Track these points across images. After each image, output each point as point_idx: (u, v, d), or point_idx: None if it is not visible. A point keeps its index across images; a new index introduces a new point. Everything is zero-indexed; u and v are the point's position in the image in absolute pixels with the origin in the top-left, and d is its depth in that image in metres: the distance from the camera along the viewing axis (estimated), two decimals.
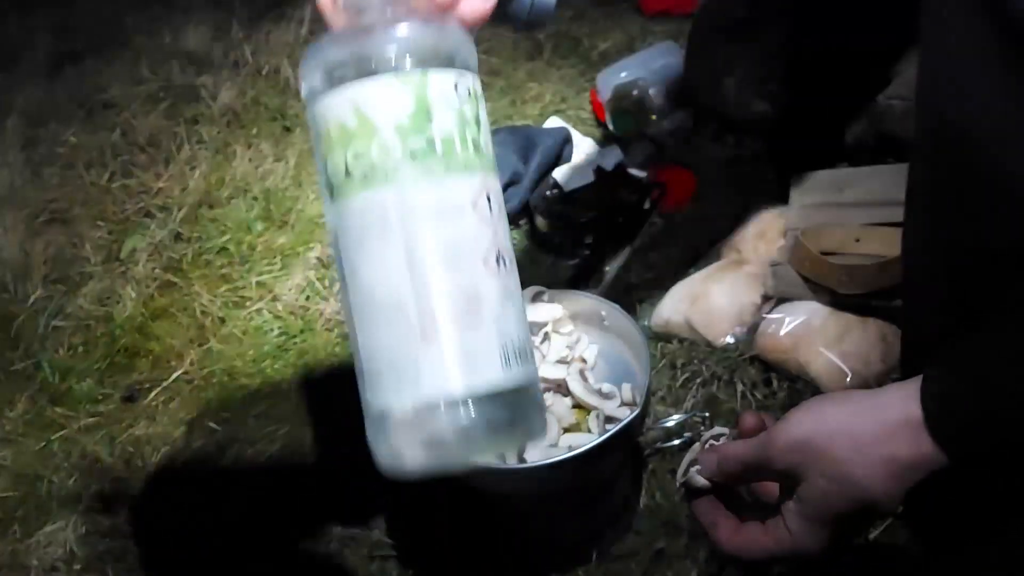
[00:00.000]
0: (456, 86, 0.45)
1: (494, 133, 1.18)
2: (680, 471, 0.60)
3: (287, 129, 1.35)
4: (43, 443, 1.01)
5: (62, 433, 1.02)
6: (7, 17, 1.87)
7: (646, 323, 0.95)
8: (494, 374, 0.43)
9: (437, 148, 0.43)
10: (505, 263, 0.46)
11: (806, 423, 0.54)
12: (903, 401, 0.50)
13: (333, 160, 0.44)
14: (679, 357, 0.90)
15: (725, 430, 0.61)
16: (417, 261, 0.43)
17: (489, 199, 0.46)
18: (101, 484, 0.96)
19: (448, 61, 0.45)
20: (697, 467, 0.58)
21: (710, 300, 0.88)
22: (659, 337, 0.93)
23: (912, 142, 0.59)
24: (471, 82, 0.46)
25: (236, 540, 0.87)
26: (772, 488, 0.56)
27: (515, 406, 0.45)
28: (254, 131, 1.35)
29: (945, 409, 0.49)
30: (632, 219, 1.06)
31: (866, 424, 0.51)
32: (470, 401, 0.43)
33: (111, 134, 1.43)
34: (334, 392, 0.99)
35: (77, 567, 0.88)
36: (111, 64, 1.64)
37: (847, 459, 0.51)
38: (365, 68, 0.43)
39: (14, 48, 1.77)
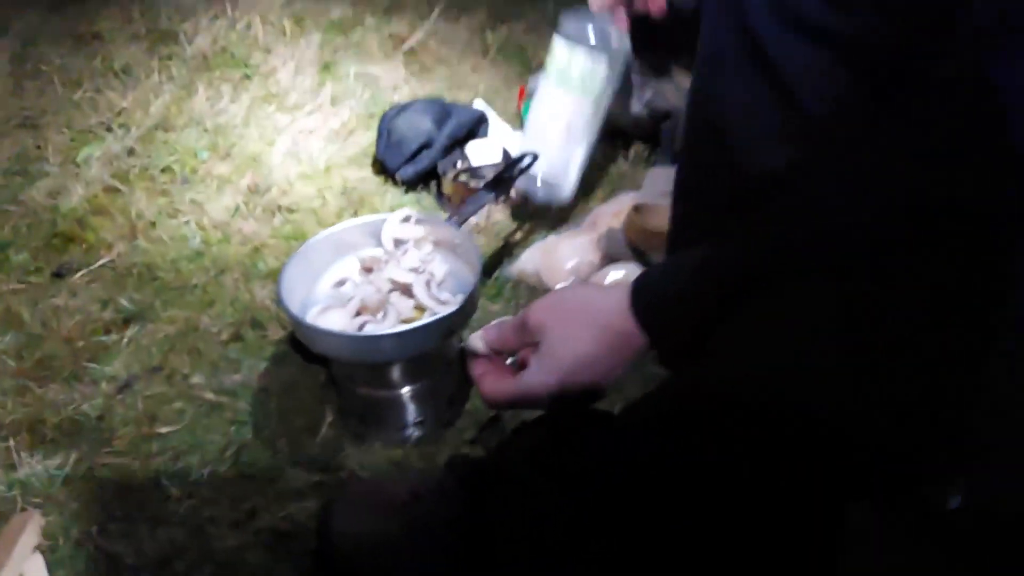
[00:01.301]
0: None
1: (414, 103, 1.35)
2: (465, 339, 0.75)
3: (247, 77, 1.51)
4: None
5: None
6: None
7: (511, 269, 1.11)
8: None
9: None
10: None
11: (551, 298, 0.70)
12: (622, 290, 0.66)
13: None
14: (522, 296, 1.06)
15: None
16: None
17: None
18: (17, 338, 1.10)
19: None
20: (477, 334, 0.74)
21: (557, 255, 1.04)
22: (516, 281, 1.09)
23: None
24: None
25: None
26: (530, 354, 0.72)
27: None
28: (217, 74, 1.51)
29: (641, 293, 0.65)
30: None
31: (593, 302, 0.67)
32: None
33: (92, 61, 1.59)
34: (234, 290, 1.14)
35: None
36: (107, 5, 1.80)
37: (575, 322, 0.66)
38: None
39: None
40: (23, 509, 0.89)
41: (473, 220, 1.14)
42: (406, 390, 0.92)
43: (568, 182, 1.11)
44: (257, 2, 1.67)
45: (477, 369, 0.73)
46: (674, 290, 0.64)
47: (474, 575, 0.74)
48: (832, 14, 0.56)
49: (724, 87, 0.66)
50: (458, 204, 1.15)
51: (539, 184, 1.11)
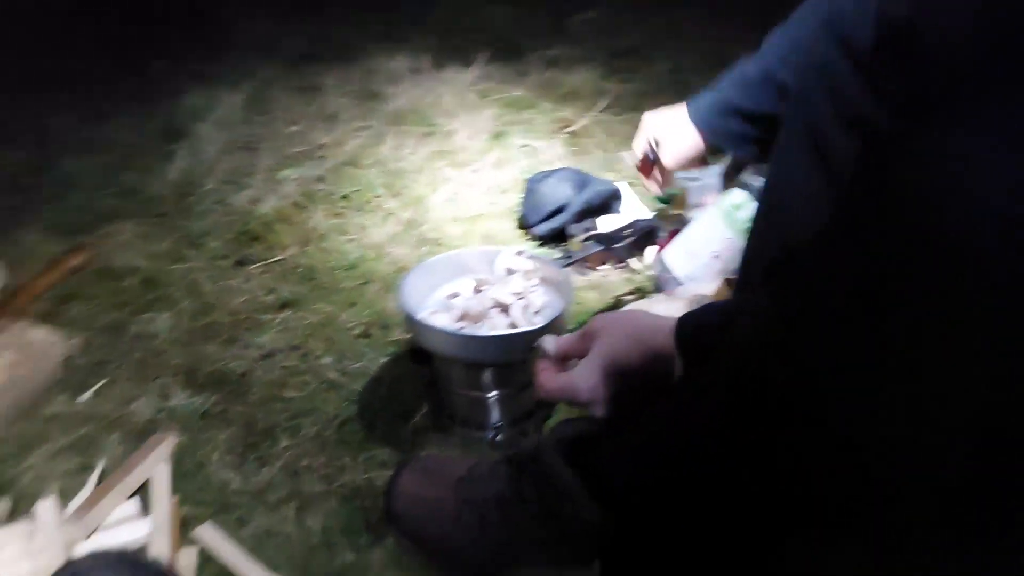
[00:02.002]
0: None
1: (560, 170, 1.51)
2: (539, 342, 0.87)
3: (429, 134, 1.74)
4: (172, 264, 1.41)
5: (187, 264, 1.41)
6: (279, 19, 2.43)
7: None
8: None
9: None
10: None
11: (612, 314, 0.81)
12: (671, 319, 0.77)
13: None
14: None
15: None
16: None
17: None
18: (196, 304, 1.33)
19: None
20: (549, 337, 0.86)
21: (652, 309, 1.15)
22: None
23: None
24: None
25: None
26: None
27: None
28: (406, 128, 1.76)
29: (684, 321, 0.75)
30: None
31: (644, 321, 0.78)
32: None
33: (309, 106, 1.89)
34: (373, 298, 1.32)
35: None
36: (333, 67, 2.13)
37: (623, 334, 0.77)
38: None
39: (273, 42, 2.32)
40: (164, 430, 1.08)
41: (591, 275, 1.27)
42: (492, 395, 1.05)
43: (692, 290, 1.22)
44: (454, 78, 1.93)
45: (541, 365, 0.85)
46: (708, 321, 0.74)
47: (506, 546, 0.84)
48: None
49: (786, 174, 0.76)
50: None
51: (668, 275, 1.24)
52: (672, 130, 1.15)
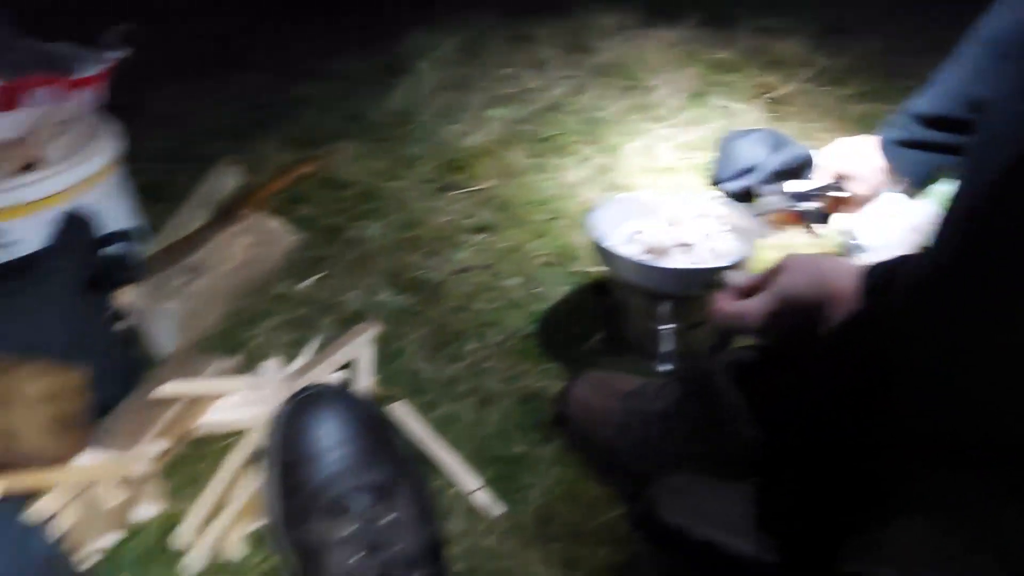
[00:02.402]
0: None
1: (756, 130, 1.52)
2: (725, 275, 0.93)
3: (631, 88, 1.81)
4: (386, 181, 1.56)
5: (399, 183, 1.55)
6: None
7: None
8: None
9: None
10: None
11: (800, 254, 0.85)
12: (857, 265, 0.80)
13: None
14: None
15: None
16: None
17: None
18: (404, 219, 1.47)
19: None
20: (739, 272, 0.91)
21: None
22: None
23: None
24: None
25: None
26: None
27: None
28: (609, 81, 1.83)
29: (872, 268, 0.78)
30: None
31: (829, 263, 0.82)
32: None
33: (519, 54, 2.01)
34: (561, 231, 1.41)
35: None
36: (546, 22, 2.22)
37: (805, 271, 0.81)
38: None
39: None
40: (370, 320, 1.23)
41: (776, 235, 1.30)
42: (666, 327, 1.11)
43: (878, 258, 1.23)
44: (661, 36, 1.98)
45: (719, 295, 0.90)
46: (895, 267, 0.77)
47: (665, 456, 0.91)
48: None
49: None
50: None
51: (854, 242, 1.24)
52: (861, 163, 1.20)
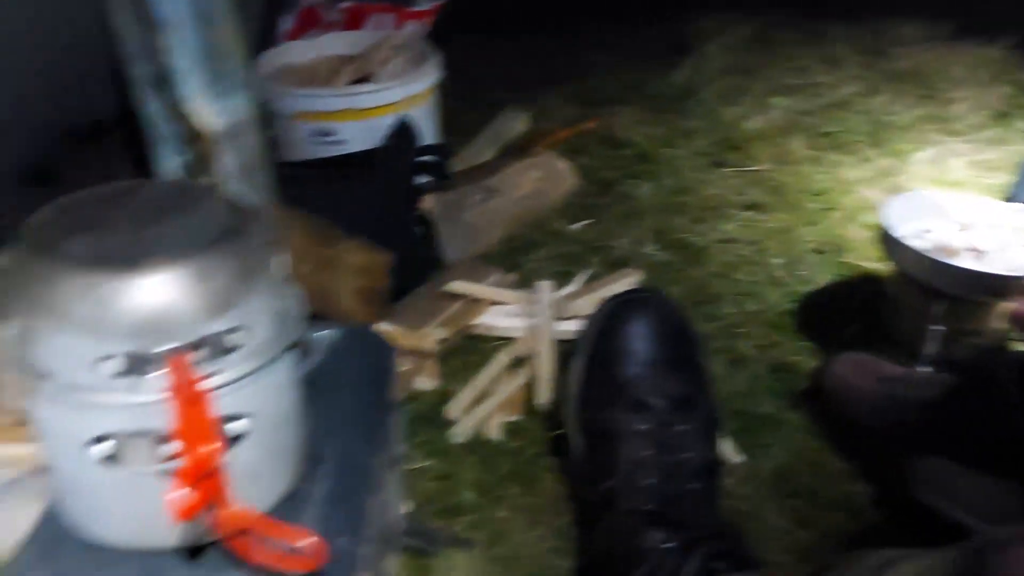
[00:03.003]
0: None
1: None
2: None
3: (926, 97, 1.75)
4: (662, 147, 1.62)
5: (674, 151, 1.61)
6: None
7: None
8: None
9: None
10: None
11: None
12: None
13: None
14: None
15: None
16: None
17: None
18: (668, 184, 1.53)
19: None
20: None
21: None
22: None
23: None
24: None
25: None
26: None
27: None
28: (902, 87, 1.78)
29: None
30: None
31: None
32: None
33: (812, 49, 1.99)
34: (832, 223, 1.41)
35: None
36: (837, 22, 2.18)
37: None
38: None
39: None
40: (633, 267, 1.29)
41: None
42: (937, 328, 1.09)
43: None
44: (970, 52, 1.89)
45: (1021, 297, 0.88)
46: None
47: (919, 443, 0.91)
48: None
49: None
50: None
51: None
52: None
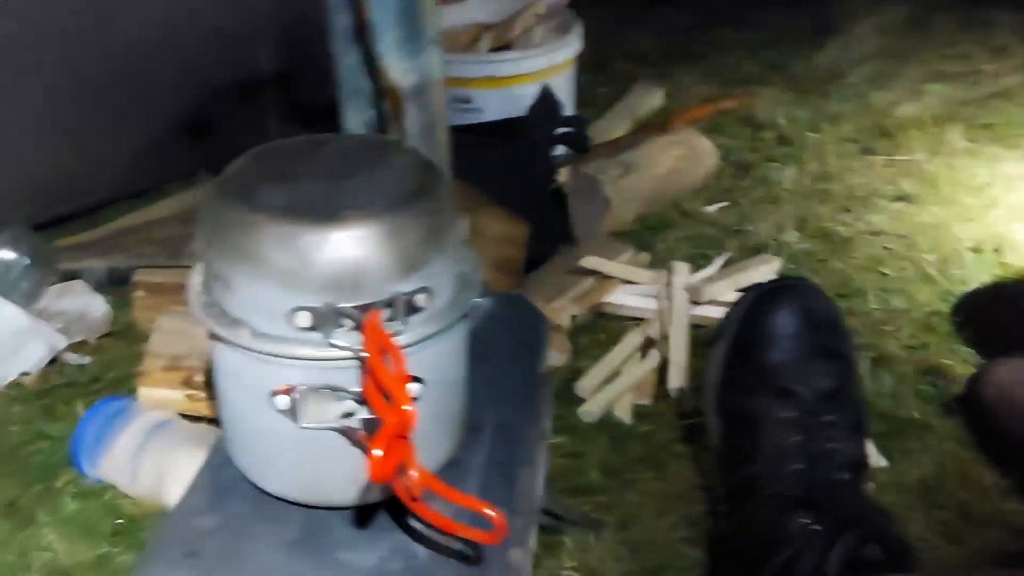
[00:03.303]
0: None
1: None
2: None
3: None
4: (805, 131, 1.55)
5: (818, 136, 1.54)
6: None
7: None
8: None
9: None
10: None
11: None
12: None
13: None
14: None
15: None
16: None
17: None
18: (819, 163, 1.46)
19: None
20: None
21: None
22: None
23: None
24: None
25: None
26: None
27: None
28: None
29: None
30: None
31: None
32: None
33: (972, 34, 1.86)
34: (995, 222, 1.32)
35: None
36: (1005, 8, 2.03)
37: None
38: None
39: None
40: (772, 254, 1.24)
41: None
42: None
43: None
44: None
45: None
46: None
47: None
48: None
49: None
50: None
51: None
52: None
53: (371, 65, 0.54)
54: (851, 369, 0.81)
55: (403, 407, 0.36)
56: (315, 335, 0.42)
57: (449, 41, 1.51)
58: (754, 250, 1.26)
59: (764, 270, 1.19)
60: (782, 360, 0.76)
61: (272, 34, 1.12)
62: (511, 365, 0.64)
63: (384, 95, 0.55)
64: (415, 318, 0.44)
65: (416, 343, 0.44)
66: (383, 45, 0.54)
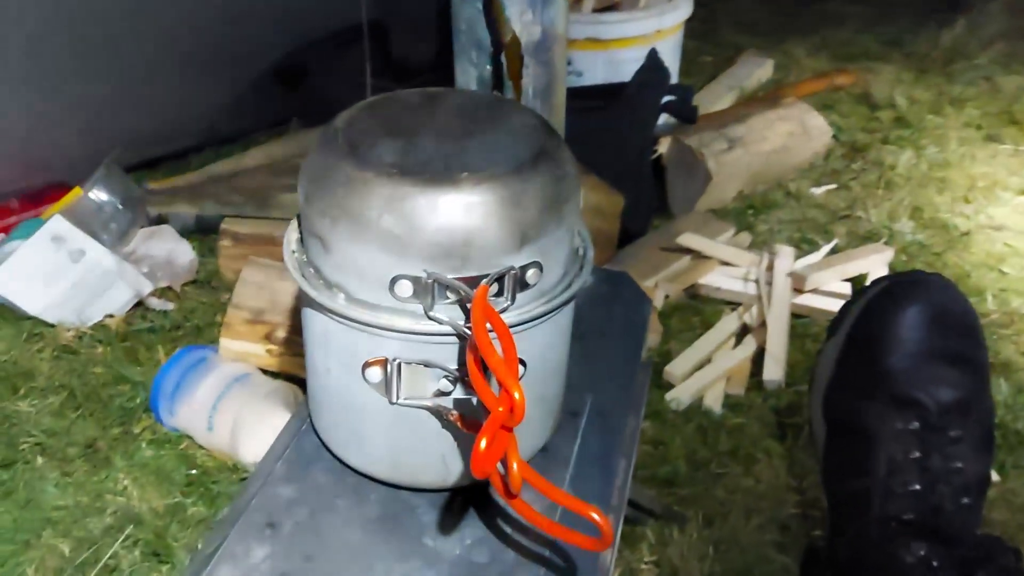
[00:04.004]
0: None
1: None
2: None
3: None
4: (928, 114, 1.45)
5: (940, 119, 1.43)
6: None
7: None
8: None
9: None
10: None
11: None
12: None
13: None
14: None
15: None
16: None
17: None
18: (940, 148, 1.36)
19: None
20: None
21: None
22: None
23: None
24: None
25: None
26: None
27: None
28: None
29: None
30: None
31: None
32: None
33: None
34: None
35: None
36: None
37: None
38: None
39: None
40: (884, 242, 1.16)
41: None
42: None
43: None
44: None
45: None
46: None
47: None
48: None
49: None
50: None
51: None
52: None
53: (492, 15, 0.49)
54: (983, 379, 0.74)
55: (514, 395, 0.32)
56: (415, 306, 0.38)
57: None
58: (864, 238, 1.18)
59: (875, 260, 1.11)
60: (904, 363, 0.69)
61: None
62: (613, 347, 0.59)
63: (503, 49, 0.50)
64: (523, 295, 0.40)
65: (525, 323, 0.40)
66: None
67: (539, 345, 0.44)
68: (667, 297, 1.06)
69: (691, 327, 1.04)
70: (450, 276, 0.38)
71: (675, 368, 0.97)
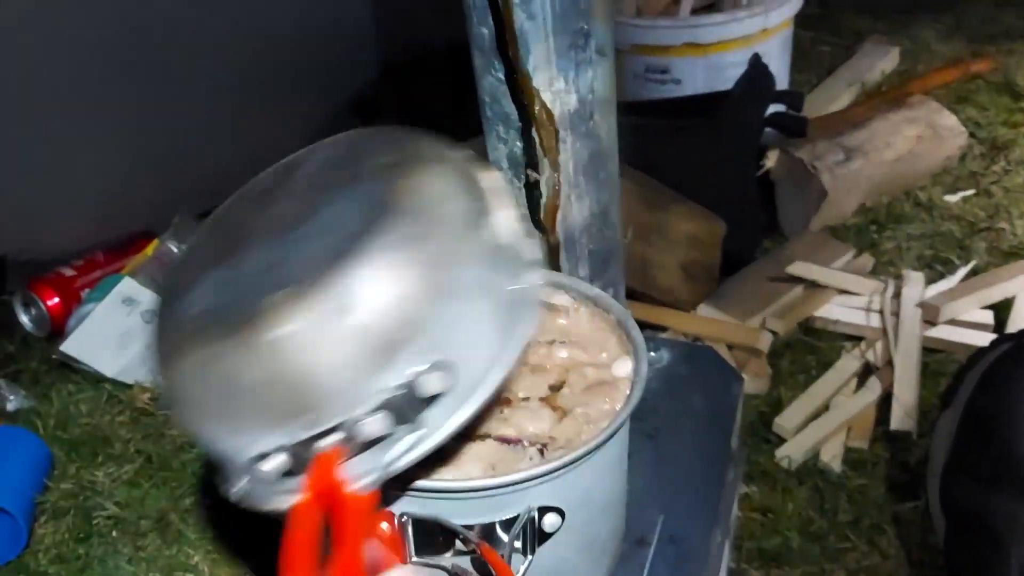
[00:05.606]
0: None
1: None
2: None
3: None
4: None
5: None
6: None
7: None
8: None
9: None
10: None
11: None
12: None
13: None
14: None
15: None
16: None
17: None
18: None
19: None
20: None
21: None
22: None
23: None
24: None
25: None
26: None
27: None
28: None
29: None
30: None
31: None
32: None
33: None
34: None
35: None
36: None
37: None
38: None
39: None
40: None
41: None
42: None
43: None
44: None
45: None
46: None
47: None
48: None
49: None
50: None
51: None
52: None
53: (517, 86, 0.41)
54: None
55: None
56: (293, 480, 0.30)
57: (645, 3, 1.35)
58: (1007, 254, 1.03)
59: (1022, 282, 0.96)
60: None
61: (444, 6, 1.03)
62: (690, 445, 0.51)
63: (533, 122, 0.42)
64: (430, 412, 0.30)
65: (541, 476, 0.32)
66: (533, 59, 0.40)
67: (579, 488, 0.36)
68: (776, 335, 0.95)
69: (805, 368, 0.93)
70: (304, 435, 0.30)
71: (786, 420, 0.86)
